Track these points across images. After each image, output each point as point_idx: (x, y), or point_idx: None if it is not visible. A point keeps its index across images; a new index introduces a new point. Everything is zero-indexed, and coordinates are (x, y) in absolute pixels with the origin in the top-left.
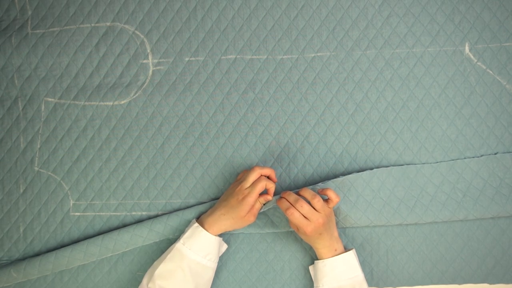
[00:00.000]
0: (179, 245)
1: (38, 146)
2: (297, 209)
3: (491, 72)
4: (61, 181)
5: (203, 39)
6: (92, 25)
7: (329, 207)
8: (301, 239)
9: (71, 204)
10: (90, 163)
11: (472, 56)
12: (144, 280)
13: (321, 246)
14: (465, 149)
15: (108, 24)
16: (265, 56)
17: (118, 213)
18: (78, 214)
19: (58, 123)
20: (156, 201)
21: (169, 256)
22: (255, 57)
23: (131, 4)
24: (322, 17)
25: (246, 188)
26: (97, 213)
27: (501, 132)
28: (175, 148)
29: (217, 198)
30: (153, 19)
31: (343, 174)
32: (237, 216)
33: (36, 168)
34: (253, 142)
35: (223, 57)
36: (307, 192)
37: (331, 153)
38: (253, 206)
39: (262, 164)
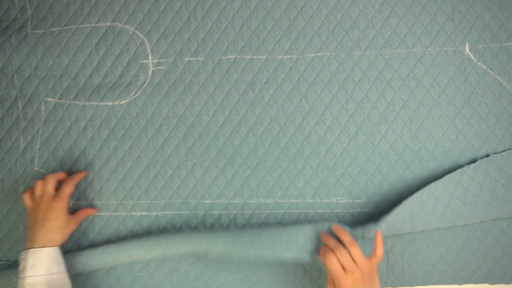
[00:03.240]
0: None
1: (38, 146)
2: (336, 256)
3: (491, 72)
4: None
5: (203, 39)
6: (92, 25)
7: (372, 263)
8: None
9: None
10: (90, 163)
11: (472, 56)
12: None
13: None
14: (465, 149)
15: (108, 24)
16: (265, 56)
17: (118, 213)
18: None
19: (58, 123)
20: (156, 201)
21: None
22: (255, 57)
23: (131, 4)
24: (322, 17)
25: (52, 197)
26: (97, 213)
27: (502, 132)
28: (175, 148)
29: (216, 198)
30: (153, 19)
31: (343, 175)
32: (57, 225)
33: (36, 168)
34: (253, 142)
35: (223, 57)
36: (346, 237)
37: (331, 153)
38: (67, 212)
39: (262, 164)
